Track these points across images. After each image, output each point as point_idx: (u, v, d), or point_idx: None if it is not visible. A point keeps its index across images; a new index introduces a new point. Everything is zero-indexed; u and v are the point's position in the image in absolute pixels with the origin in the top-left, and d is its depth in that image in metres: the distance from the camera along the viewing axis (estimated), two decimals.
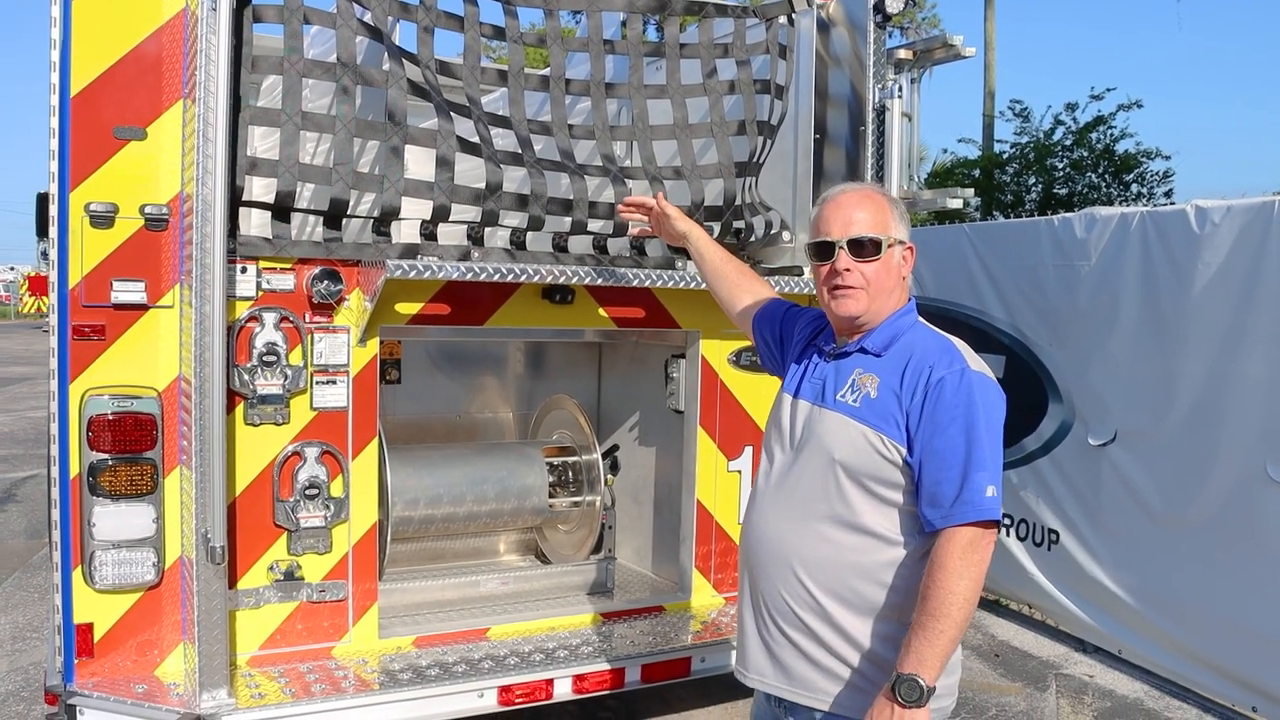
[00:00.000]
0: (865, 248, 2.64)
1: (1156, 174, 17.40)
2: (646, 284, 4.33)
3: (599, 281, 4.22)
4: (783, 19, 4.75)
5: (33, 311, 42.98)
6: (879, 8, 4.57)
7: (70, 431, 3.84)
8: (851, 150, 4.81)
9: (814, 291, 2.87)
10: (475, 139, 4.12)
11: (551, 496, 5.26)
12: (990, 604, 7.26)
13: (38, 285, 41.98)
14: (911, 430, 2.52)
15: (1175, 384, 5.69)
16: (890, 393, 2.57)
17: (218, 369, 3.56)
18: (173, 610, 4.04)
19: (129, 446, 3.88)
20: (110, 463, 3.86)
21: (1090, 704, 5.65)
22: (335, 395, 4.07)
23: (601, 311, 4.54)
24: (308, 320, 4.00)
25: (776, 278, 4.50)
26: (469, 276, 3.90)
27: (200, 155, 3.52)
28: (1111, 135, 17.16)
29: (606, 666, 4.28)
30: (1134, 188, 17.26)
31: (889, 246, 2.66)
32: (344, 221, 4.03)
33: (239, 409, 3.92)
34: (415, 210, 4.07)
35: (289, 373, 3.97)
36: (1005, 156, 18.24)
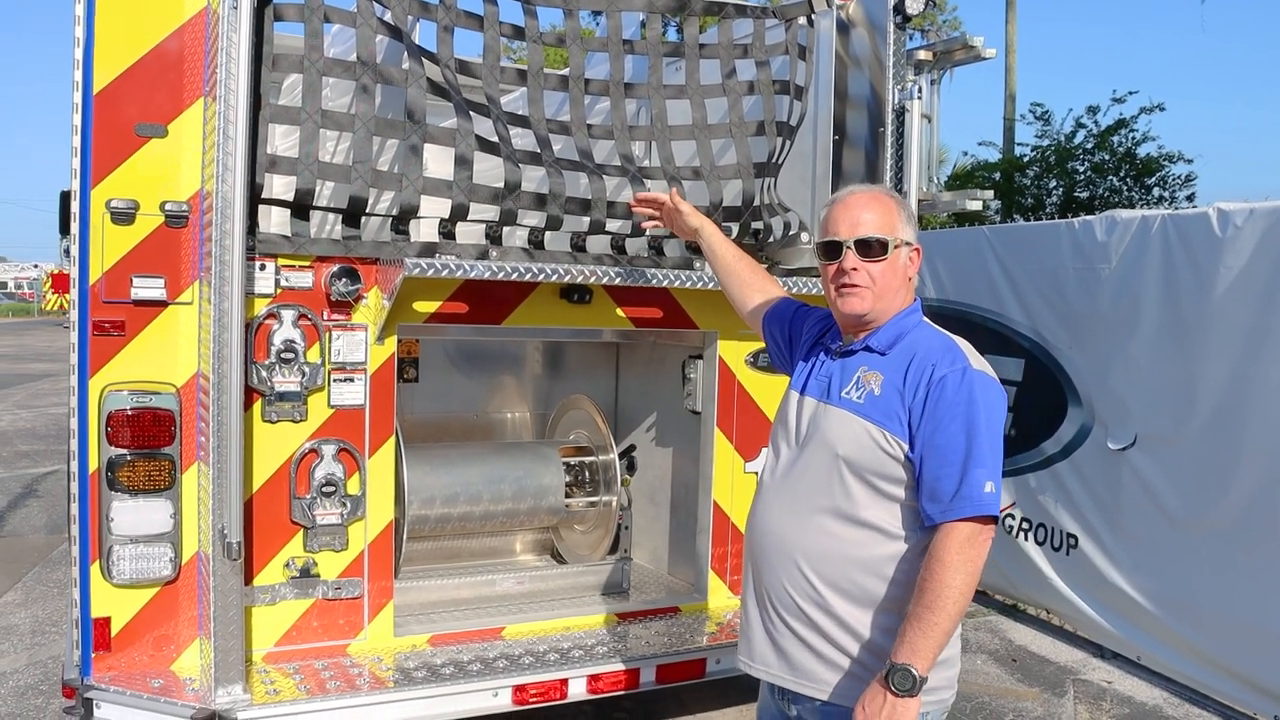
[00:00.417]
0: (872, 248, 2.69)
1: (1178, 178, 17.26)
2: (664, 284, 4.32)
3: (617, 281, 4.21)
4: (802, 20, 4.73)
5: (56, 309, 43.26)
6: (899, 9, 4.55)
7: (90, 426, 3.87)
8: (871, 151, 4.79)
9: None
10: (494, 138, 4.13)
11: (568, 496, 5.26)
12: (1008, 608, 7.22)
13: (61, 283, 42.17)
14: (914, 426, 2.58)
15: (1196, 388, 5.65)
16: (894, 390, 2.62)
17: (236, 365, 3.58)
18: (189, 606, 4.05)
19: (147, 442, 3.90)
20: (129, 458, 3.88)
21: (1108, 710, 5.61)
22: (353, 393, 4.08)
23: (619, 311, 4.54)
24: (326, 318, 4.01)
25: (795, 278, 4.49)
26: (487, 275, 3.90)
27: (220, 153, 3.54)
28: (1133, 138, 17.03)
29: (621, 667, 4.27)
30: (1156, 191, 17.13)
31: (895, 247, 2.71)
32: (363, 220, 4.04)
33: (257, 406, 3.93)
34: (434, 209, 4.08)
35: (307, 370, 3.98)
36: (1026, 159, 18.13)
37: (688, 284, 4.32)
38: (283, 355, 3.94)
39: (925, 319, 2.81)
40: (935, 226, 13.28)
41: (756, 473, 4.82)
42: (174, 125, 3.89)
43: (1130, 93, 16.81)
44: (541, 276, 4.03)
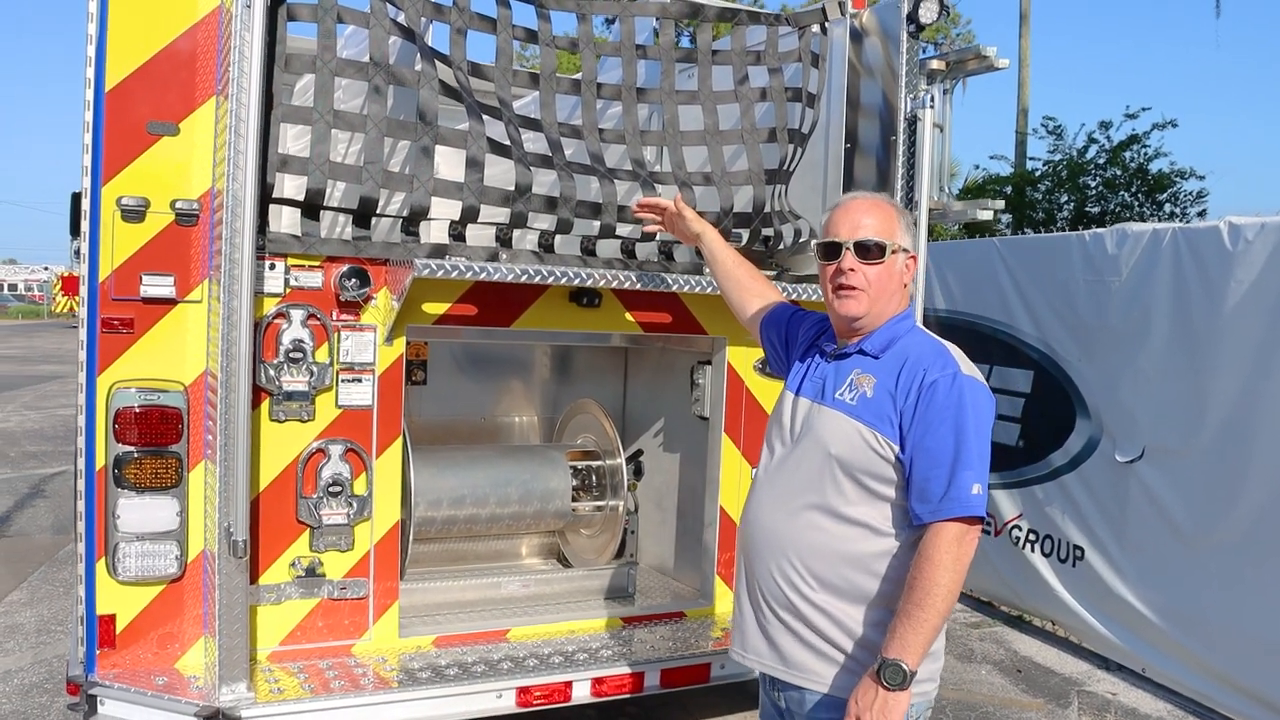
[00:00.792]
0: (870, 251, 2.77)
1: (1190, 194, 17.24)
2: (674, 289, 4.32)
3: (626, 285, 4.21)
4: (816, 27, 4.74)
5: (65, 311, 43.41)
6: (912, 18, 4.56)
7: (97, 424, 3.88)
8: (882, 160, 4.80)
9: None
10: (506, 141, 4.13)
11: (575, 500, 5.26)
12: (1013, 619, 7.20)
13: (71, 285, 42.39)
14: (904, 429, 2.66)
15: (1206, 401, 5.63)
16: (886, 393, 2.70)
17: (244, 364, 3.59)
18: (194, 604, 4.05)
19: (155, 440, 3.91)
20: (136, 455, 3.89)
21: None
22: (360, 393, 4.08)
23: (628, 316, 4.54)
24: (335, 318, 4.01)
25: (804, 285, 4.48)
26: (496, 277, 3.90)
27: (231, 151, 3.55)
28: (1145, 154, 17.02)
29: (625, 670, 4.27)
30: (1167, 207, 17.11)
31: (893, 252, 2.80)
32: (373, 221, 4.05)
33: (264, 405, 3.94)
34: (444, 211, 4.08)
35: (315, 370, 3.99)
36: (1037, 174, 18.11)
37: (697, 289, 4.32)
38: (291, 355, 3.94)
39: (919, 325, 2.91)
40: (945, 238, 13.28)
41: None
42: (186, 124, 3.90)
43: (1143, 108, 16.88)
44: (551, 279, 4.03)
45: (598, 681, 4.21)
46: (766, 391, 4.82)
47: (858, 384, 2.76)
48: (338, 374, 4.04)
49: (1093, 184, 17.51)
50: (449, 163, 4.24)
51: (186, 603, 4.04)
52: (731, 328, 4.66)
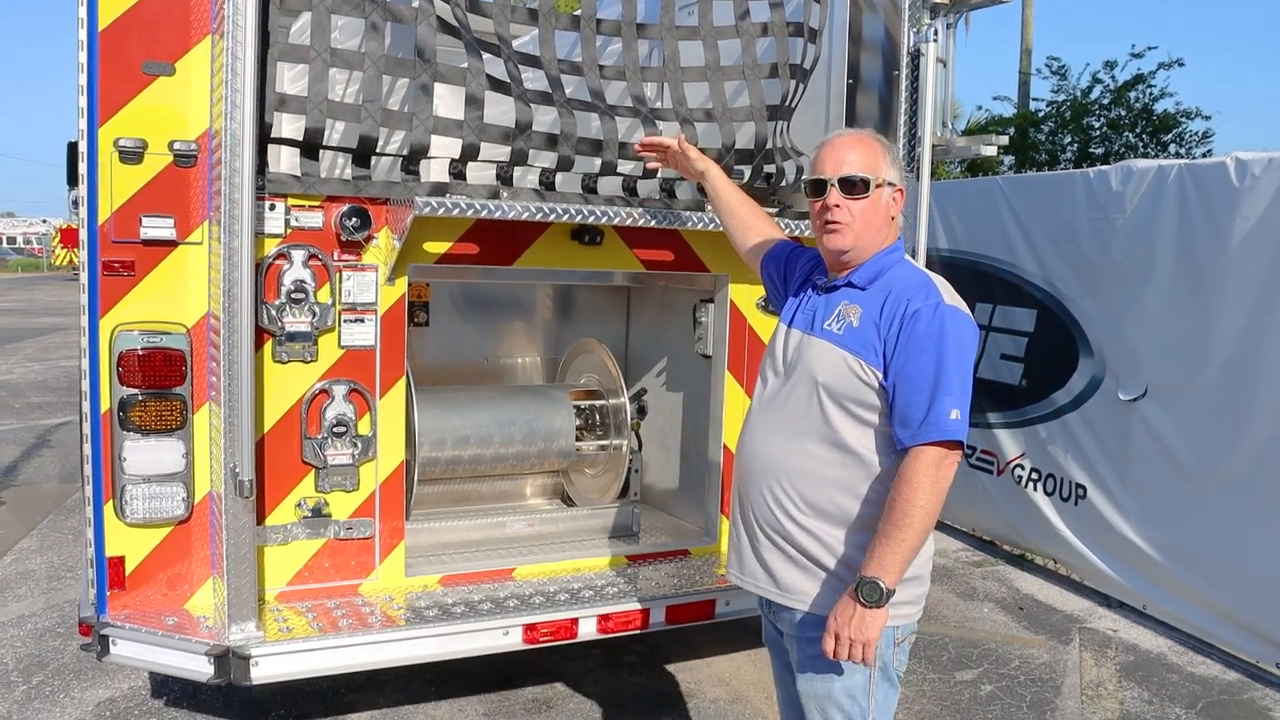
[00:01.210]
0: (855, 186, 2.85)
1: (1195, 134, 17.11)
2: (675, 226, 4.29)
3: (628, 222, 4.19)
4: None
5: (65, 264, 43.30)
6: None
7: (101, 367, 3.88)
8: (885, 96, 4.75)
9: None
10: (505, 79, 4.09)
11: (578, 440, 5.26)
12: (1015, 558, 7.24)
13: (70, 237, 42.27)
14: (888, 357, 2.75)
15: (1210, 339, 5.63)
16: (871, 322, 2.79)
17: (246, 305, 3.57)
18: (202, 545, 4.08)
19: (159, 382, 3.91)
20: (140, 398, 3.89)
21: (1113, 658, 5.64)
22: (363, 334, 4.07)
23: (630, 254, 4.52)
24: (336, 258, 3.99)
25: (806, 222, 4.44)
26: (498, 215, 3.87)
27: (229, 90, 3.51)
28: (1150, 94, 16.87)
29: (631, 607, 4.29)
30: (1172, 148, 16.98)
31: (877, 186, 2.87)
32: (372, 160, 4.02)
33: (267, 346, 3.93)
34: (443, 149, 4.05)
35: (317, 310, 3.98)
36: (1041, 115, 17.97)
37: (699, 226, 4.30)
38: (293, 296, 3.93)
39: (906, 258, 2.97)
40: (946, 179, 13.19)
41: None
42: (181, 63, 3.86)
43: (1149, 48, 16.68)
44: (553, 217, 4.00)
45: (604, 618, 4.24)
46: (769, 329, 4.77)
47: (845, 314, 2.86)
48: (340, 314, 4.03)
49: (1097, 125, 17.38)
50: (448, 101, 4.20)
51: (194, 544, 4.07)
52: (734, 265, 4.63)
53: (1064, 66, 17.67)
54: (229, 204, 3.55)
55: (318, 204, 3.94)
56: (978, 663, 5.51)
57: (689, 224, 4.29)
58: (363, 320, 4.07)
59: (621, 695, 4.97)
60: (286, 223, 3.90)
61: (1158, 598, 6.01)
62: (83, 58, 3.74)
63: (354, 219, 3.94)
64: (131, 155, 3.81)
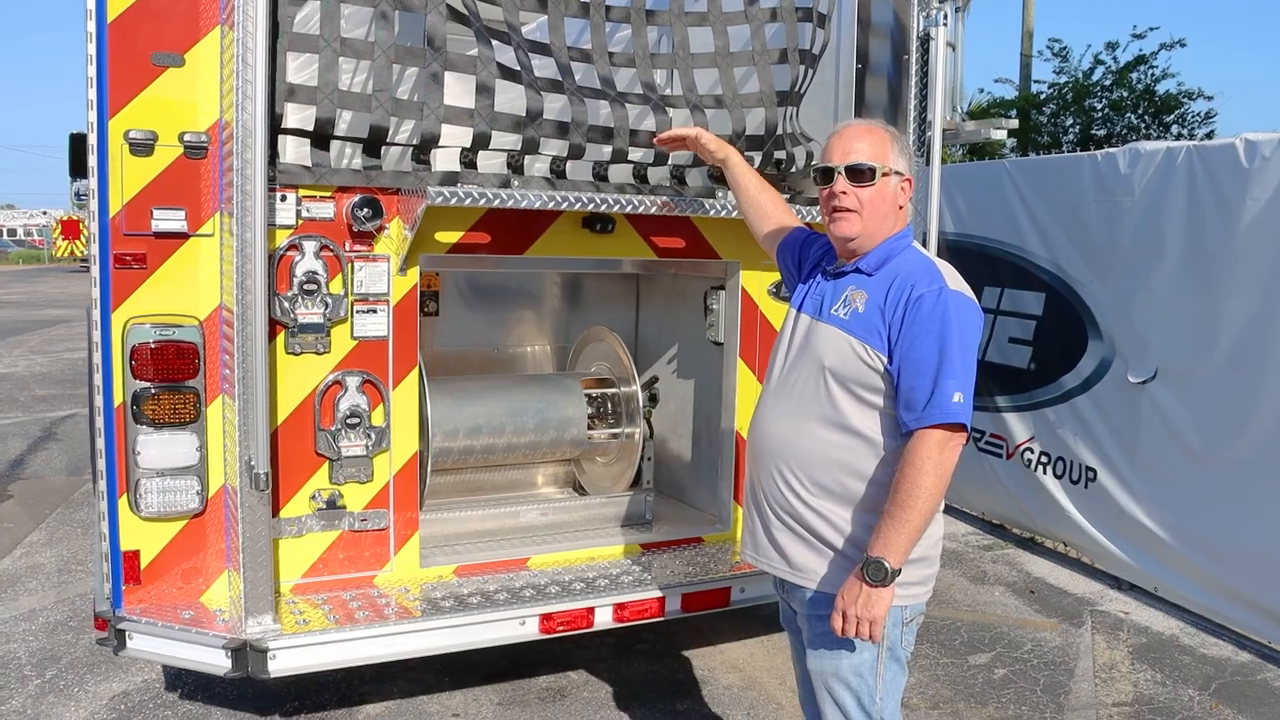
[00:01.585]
0: (863, 174, 2.92)
1: (1198, 115, 17.06)
2: (688, 213, 4.28)
3: (641, 210, 4.17)
4: None
5: (66, 255, 43.19)
6: None
7: (114, 361, 3.87)
8: (894, 80, 4.72)
9: None
10: (515, 66, 4.07)
11: (590, 428, 5.25)
12: (1025, 541, 7.25)
13: (71, 229, 42.15)
14: (892, 341, 2.81)
15: (1219, 321, 5.61)
16: (876, 308, 2.86)
17: (260, 297, 3.56)
18: (217, 538, 4.08)
19: (172, 375, 3.91)
20: (153, 391, 3.89)
21: (1125, 640, 5.65)
22: (376, 324, 4.06)
23: (642, 241, 4.51)
24: (348, 249, 3.98)
25: (816, 208, 4.42)
26: (510, 204, 3.86)
27: (240, 81, 3.50)
28: (1152, 75, 16.82)
29: (647, 595, 4.29)
30: (1174, 129, 16.93)
31: (885, 175, 2.93)
32: (383, 150, 4.00)
33: (280, 338, 3.92)
34: (454, 138, 4.03)
35: (329, 301, 3.97)
36: (1043, 97, 17.92)
37: (710, 213, 4.28)
38: (305, 287, 3.92)
39: (915, 244, 3.02)
40: (948, 162, 13.11)
41: None
42: (191, 54, 3.84)
43: (1151, 28, 16.65)
44: (565, 205, 3.99)
45: (619, 607, 4.24)
46: (780, 316, 4.73)
47: (851, 300, 2.92)
48: (352, 305, 4.02)
49: (1099, 107, 17.33)
50: (457, 89, 4.18)
51: (209, 537, 4.07)
52: (745, 251, 4.64)
53: (1065, 48, 17.64)
54: (241, 195, 3.54)
55: (329, 195, 3.92)
56: (990, 646, 5.51)
57: (701, 211, 4.28)
58: (375, 311, 4.06)
59: (635, 683, 4.97)
60: (298, 214, 3.89)
61: (1168, 579, 6.01)
62: (92, 49, 3.72)
63: (365, 209, 3.93)
64: (142, 147, 3.79)
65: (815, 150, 4.68)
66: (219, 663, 3.76)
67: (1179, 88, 16.95)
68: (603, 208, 4.10)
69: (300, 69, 3.97)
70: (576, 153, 4.18)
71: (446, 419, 4.87)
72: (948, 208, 7.47)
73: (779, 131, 4.47)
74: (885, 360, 2.81)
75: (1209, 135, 16.92)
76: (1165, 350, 5.96)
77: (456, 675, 4.92)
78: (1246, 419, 5.47)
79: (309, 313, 3.94)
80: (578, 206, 4.03)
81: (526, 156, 4.15)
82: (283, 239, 3.88)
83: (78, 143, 4.86)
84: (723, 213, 4.28)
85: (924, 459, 2.69)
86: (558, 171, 4.25)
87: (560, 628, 4.14)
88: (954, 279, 2.87)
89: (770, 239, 3.55)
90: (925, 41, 4.61)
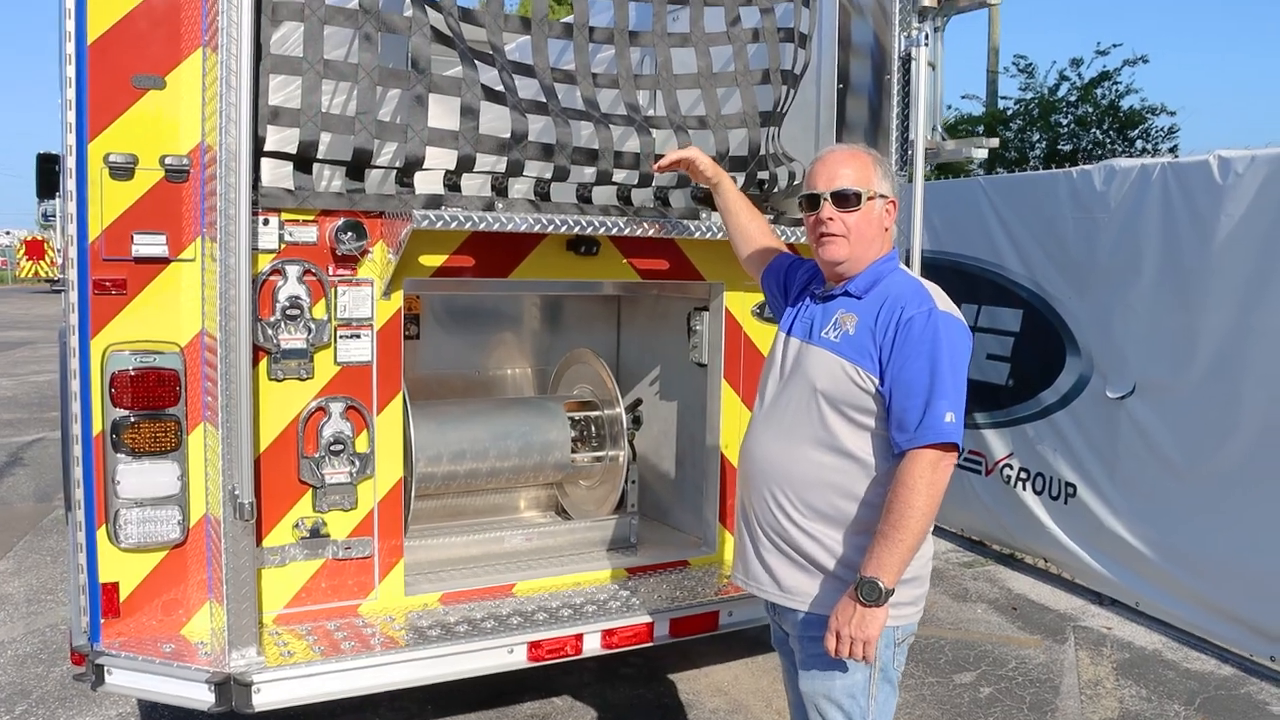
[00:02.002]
0: (848, 200, 2.95)
1: (1161, 130, 17.28)
2: (673, 235, 4.26)
3: (627, 232, 4.15)
4: None
5: (30, 276, 42.66)
6: None
7: (92, 388, 3.79)
8: (875, 100, 4.74)
9: None
10: (499, 88, 4.04)
11: (574, 451, 5.21)
12: (1005, 558, 7.27)
13: (35, 249, 41.66)
14: (883, 363, 2.83)
15: (1196, 336, 5.66)
16: (866, 330, 2.88)
17: (244, 323, 3.50)
18: (198, 569, 4.00)
19: (152, 403, 3.82)
20: (133, 419, 3.81)
21: (1109, 655, 5.66)
22: (359, 349, 4.01)
23: (626, 263, 4.48)
24: (331, 273, 3.93)
25: (799, 229, 4.43)
26: (496, 226, 3.83)
27: (223, 104, 3.44)
28: (1116, 91, 17.02)
29: (635, 621, 4.25)
30: (1139, 144, 17.14)
31: (869, 199, 2.96)
32: (366, 172, 3.95)
33: (262, 364, 3.86)
34: (438, 160, 3.99)
35: (313, 327, 3.91)
36: (1009, 113, 18.08)
37: (695, 234, 4.27)
38: (288, 312, 3.86)
39: (901, 266, 3.07)
40: (926, 179, 13.10)
41: None
42: (172, 76, 3.77)
43: (1114, 45, 16.81)
44: (551, 228, 3.95)
45: (608, 633, 4.19)
46: (765, 337, 4.78)
47: (841, 323, 2.94)
48: (336, 330, 3.96)
49: (1064, 122, 17.50)
50: (441, 111, 4.14)
51: (190, 568, 3.98)
52: (729, 273, 4.62)
53: (1031, 65, 17.81)
54: (224, 220, 3.48)
55: (312, 218, 3.87)
56: (975, 664, 5.51)
57: (685, 233, 4.26)
58: (359, 336, 4.00)
59: (620, 708, 4.93)
60: (280, 238, 3.83)
61: (1150, 594, 6.03)
62: (71, 71, 3.64)
63: (349, 233, 3.88)
64: (122, 171, 3.72)
65: (798, 170, 4.68)
66: (202, 697, 3.67)
67: (1142, 103, 17.18)
68: (588, 230, 4.08)
69: (279, 90, 3.93)
70: (561, 175, 4.15)
71: (430, 444, 4.81)
72: (925, 225, 7.48)
73: (762, 152, 4.47)
74: (877, 382, 2.83)
75: (1172, 150, 17.14)
76: (1143, 366, 6.00)
77: (440, 703, 4.85)
78: (1225, 433, 5.51)
79: (292, 338, 3.88)
80: (563, 229, 4.00)
81: (510, 178, 4.12)
82: (265, 263, 3.81)
83: (43, 163, 4.78)
84: (707, 234, 4.26)
85: (916, 479, 2.70)
86: (542, 194, 4.22)
87: (549, 655, 4.09)
88: (942, 300, 2.90)
89: (756, 264, 3.58)
90: (906, 61, 4.62)
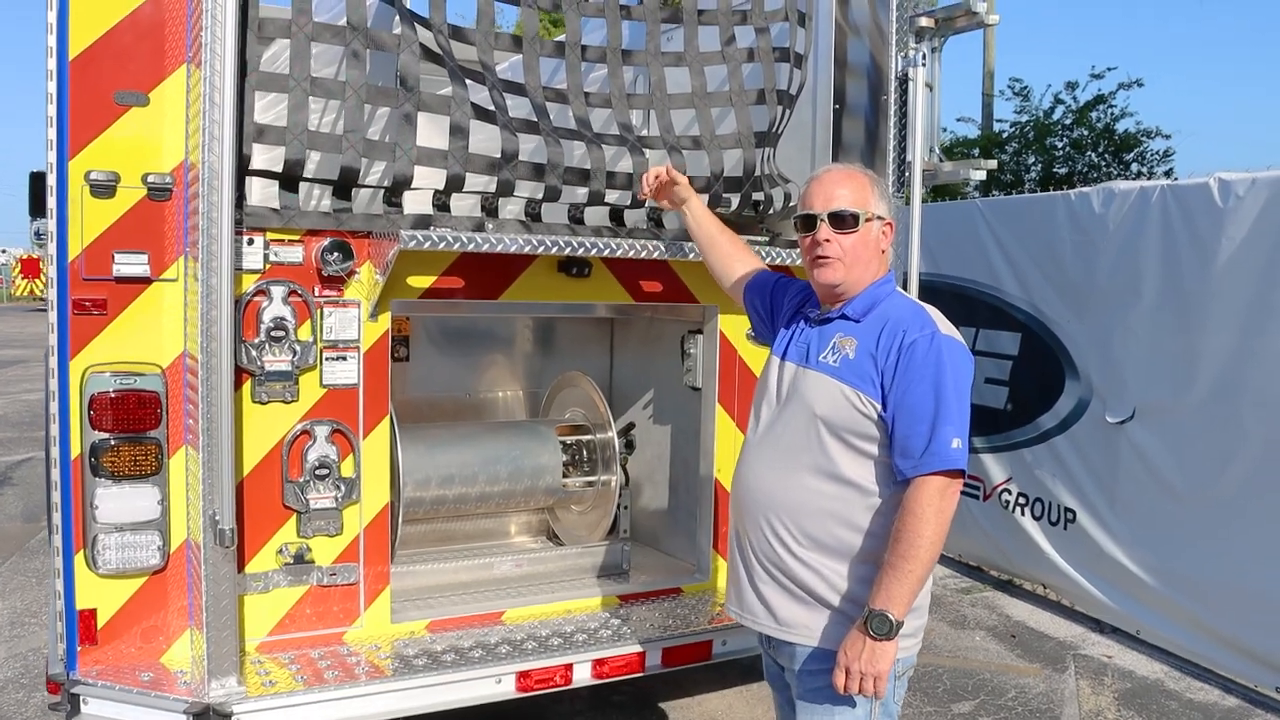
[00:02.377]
0: (845, 221, 2.89)
1: (1156, 153, 17.26)
2: (666, 257, 4.19)
3: (618, 254, 4.08)
4: None
5: (25, 294, 42.60)
6: None
7: (71, 410, 3.70)
8: (871, 121, 4.68)
9: None
10: (490, 107, 3.98)
11: (565, 476, 5.12)
12: (1003, 584, 7.17)
13: (30, 267, 41.59)
14: (886, 388, 2.77)
15: (1197, 360, 5.60)
16: (867, 354, 2.81)
17: (227, 344, 3.42)
18: (178, 595, 3.91)
19: (132, 426, 3.74)
20: (113, 443, 3.72)
21: (1110, 685, 5.57)
22: (345, 372, 3.93)
23: (619, 285, 4.41)
24: (317, 294, 3.85)
25: (794, 250, 4.36)
26: (485, 247, 3.75)
27: (206, 121, 3.37)
28: (1112, 114, 17.01)
29: (626, 650, 4.15)
30: (1134, 167, 17.12)
31: (866, 221, 2.91)
32: (353, 192, 3.89)
33: (246, 386, 3.78)
34: (427, 180, 3.93)
35: (298, 348, 3.83)
36: (1004, 136, 18.07)
37: (689, 256, 4.20)
38: (273, 333, 3.78)
39: (898, 289, 3.01)
40: (923, 201, 13.09)
41: None
42: (155, 93, 3.71)
43: (1109, 68, 16.81)
44: (542, 249, 3.88)
45: (599, 663, 4.10)
46: (759, 360, 4.69)
47: (840, 346, 2.87)
48: (321, 352, 3.88)
49: (1060, 145, 17.49)
50: (430, 130, 4.08)
51: (170, 595, 3.89)
52: (723, 296, 4.53)
53: (1026, 88, 17.79)
54: (207, 239, 3.40)
55: (297, 238, 3.80)
56: (974, 694, 5.41)
57: (679, 254, 4.19)
58: (345, 358, 3.92)
59: None
60: (265, 258, 3.76)
61: (1151, 622, 5.95)
62: (52, 88, 3.58)
63: (335, 253, 3.80)
64: (103, 189, 3.65)
65: (793, 191, 4.62)
66: None
67: (1137, 126, 17.16)
68: (580, 251, 4.01)
69: (268, 108, 3.86)
70: (552, 195, 4.08)
71: (418, 468, 4.73)
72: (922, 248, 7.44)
73: (757, 172, 4.41)
74: (879, 407, 2.77)
75: (1168, 173, 17.10)
76: (1143, 389, 5.94)
77: None
78: (1226, 458, 5.44)
79: (276, 360, 3.80)
80: (554, 250, 3.93)
81: (501, 199, 4.05)
82: (250, 284, 3.74)
83: (37, 181, 4.71)
84: (700, 256, 4.19)
85: (924, 507, 2.64)
86: (533, 214, 4.15)
87: (538, 685, 3.99)
88: (944, 323, 2.84)
89: (735, 281, 3.53)
90: (903, 82, 4.57)
